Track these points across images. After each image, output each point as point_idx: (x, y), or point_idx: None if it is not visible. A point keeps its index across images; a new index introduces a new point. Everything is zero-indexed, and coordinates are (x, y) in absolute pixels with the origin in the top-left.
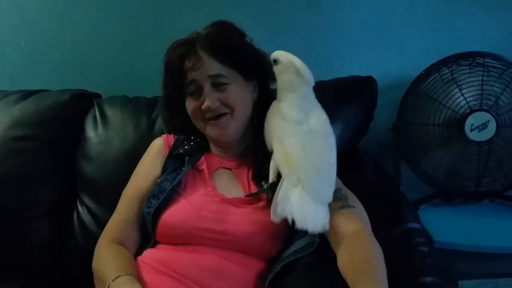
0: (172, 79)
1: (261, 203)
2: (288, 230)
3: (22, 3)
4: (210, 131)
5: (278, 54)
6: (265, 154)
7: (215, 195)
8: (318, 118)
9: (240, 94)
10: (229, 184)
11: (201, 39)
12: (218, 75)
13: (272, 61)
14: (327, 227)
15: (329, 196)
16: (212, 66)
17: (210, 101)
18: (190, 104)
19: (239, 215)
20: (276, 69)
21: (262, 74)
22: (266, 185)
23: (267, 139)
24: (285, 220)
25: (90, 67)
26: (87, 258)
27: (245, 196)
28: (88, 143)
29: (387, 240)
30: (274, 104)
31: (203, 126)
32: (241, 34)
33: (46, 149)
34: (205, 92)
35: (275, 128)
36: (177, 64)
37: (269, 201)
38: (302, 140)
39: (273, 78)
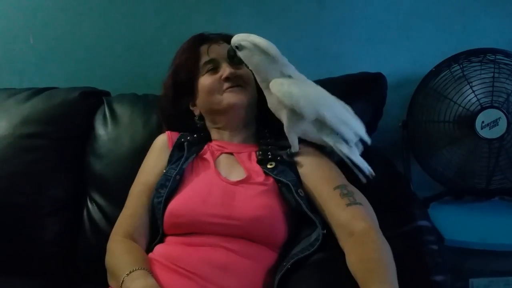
0: (187, 61)
1: (266, 187)
2: (295, 217)
3: (33, 1)
4: (229, 97)
5: (239, 39)
6: (269, 143)
7: (220, 180)
8: None
9: (250, 77)
10: (232, 168)
11: (217, 35)
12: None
13: (234, 48)
14: None
15: None
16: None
17: (231, 69)
18: (207, 79)
19: (245, 199)
20: (242, 54)
21: None
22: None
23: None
24: (290, 205)
25: (100, 65)
26: (97, 254)
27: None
28: (98, 141)
29: (396, 239)
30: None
31: (219, 98)
32: None
33: (56, 147)
34: (224, 65)
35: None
36: (195, 47)
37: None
38: None
39: (238, 63)
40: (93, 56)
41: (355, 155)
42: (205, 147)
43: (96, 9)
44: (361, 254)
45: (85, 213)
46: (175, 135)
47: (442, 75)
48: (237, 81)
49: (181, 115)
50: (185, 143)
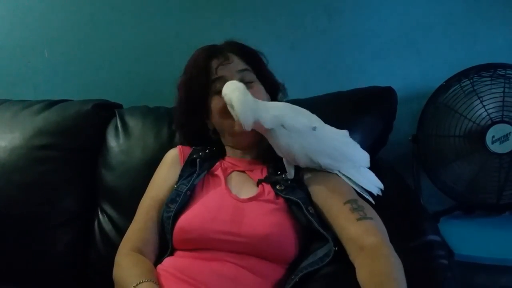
0: (198, 77)
1: (276, 205)
2: (305, 235)
3: (47, 16)
4: (238, 125)
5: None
6: (279, 160)
7: (230, 197)
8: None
9: (262, 95)
10: (244, 185)
11: (226, 45)
12: (246, 69)
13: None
14: None
15: None
16: (240, 63)
17: None
18: (217, 102)
19: (254, 217)
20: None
21: (274, 90)
22: (284, 175)
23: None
24: (301, 223)
25: (112, 78)
26: (108, 266)
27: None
28: (110, 153)
29: (406, 253)
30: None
31: (231, 123)
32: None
33: (68, 158)
34: None
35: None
36: (205, 62)
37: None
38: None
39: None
40: (105, 69)
41: (363, 174)
42: (217, 163)
43: (109, 23)
44: (371, 268)
45: (96, 224)
46: (187, 150)
47: (452, 89)
48: None
49: (195, 128)
50: (197, 160)
